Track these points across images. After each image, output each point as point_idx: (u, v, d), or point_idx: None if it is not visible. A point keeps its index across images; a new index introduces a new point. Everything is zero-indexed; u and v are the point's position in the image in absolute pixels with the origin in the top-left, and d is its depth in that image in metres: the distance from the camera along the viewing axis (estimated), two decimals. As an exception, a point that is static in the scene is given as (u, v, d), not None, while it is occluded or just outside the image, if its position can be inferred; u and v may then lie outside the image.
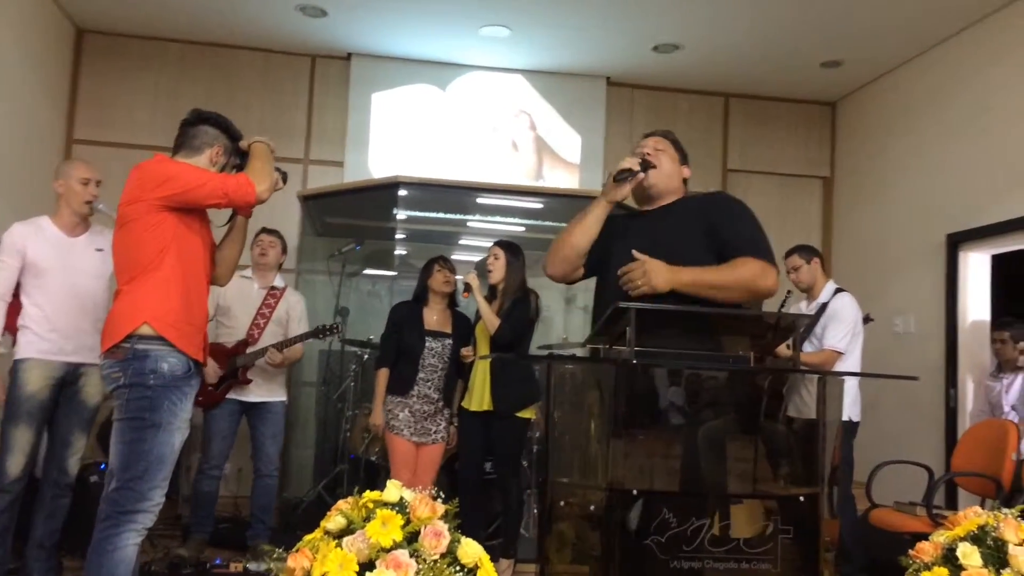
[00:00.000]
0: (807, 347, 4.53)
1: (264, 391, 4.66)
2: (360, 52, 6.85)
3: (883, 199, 6.71)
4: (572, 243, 2.51)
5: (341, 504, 1.93)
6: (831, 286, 4.68)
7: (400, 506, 1.89)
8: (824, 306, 4.58)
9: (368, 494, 1.93)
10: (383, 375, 4.54)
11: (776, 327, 2.15)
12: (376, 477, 5.39)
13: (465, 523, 4.60)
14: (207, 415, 4.65)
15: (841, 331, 4.44)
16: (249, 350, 4.62)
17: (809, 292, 4.72)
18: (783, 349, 2.56)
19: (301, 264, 6.68)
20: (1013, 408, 4.90)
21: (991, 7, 5.52)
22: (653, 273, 2.24)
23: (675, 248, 2.41)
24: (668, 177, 2.66)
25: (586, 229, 2.48)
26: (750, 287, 2.36)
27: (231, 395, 4.61)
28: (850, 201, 7.22)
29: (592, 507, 1.92)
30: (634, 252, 2.32)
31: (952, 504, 5.26)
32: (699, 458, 1.98)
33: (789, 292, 4.82)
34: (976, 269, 5.81)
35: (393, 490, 1.91)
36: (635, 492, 1.89)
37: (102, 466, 4.51)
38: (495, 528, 4.85)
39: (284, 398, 4.82)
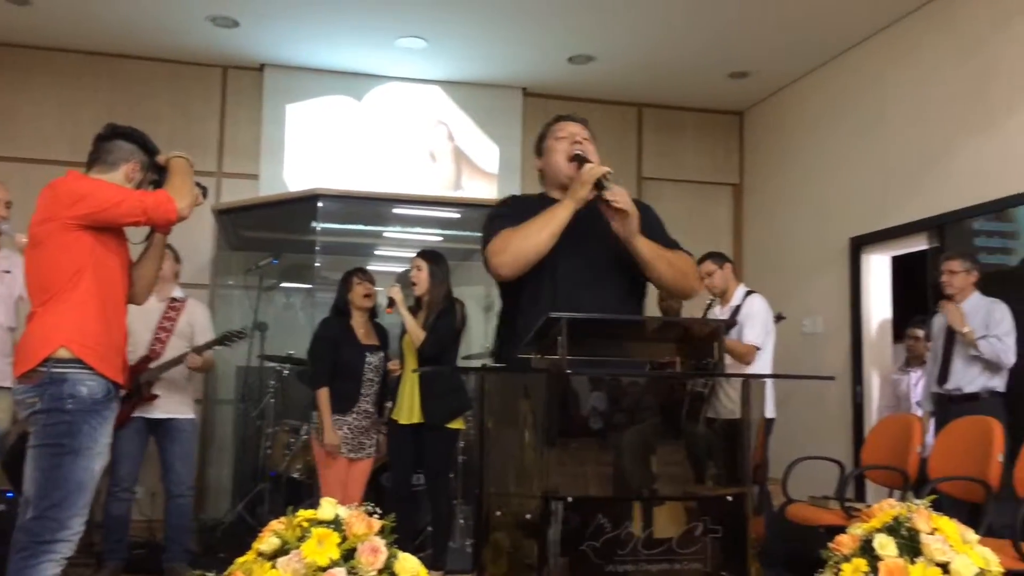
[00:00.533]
0: None
1: (170, 408, 4.54)
2: (273, 63, 6.76)
3: (790, 205, 6.96)
4: (540, 248, 2.39)
5: (274, 524, 1.91)
6: (742, 289, 4.87)
7: (336, 523, 1.88)
8: (738, 308, 4.75)
9: (302, 512, 1.91)
10: (325, 394, 4.43)
11: (700, 333, 2.22)
12: (299, 494, 5.30)
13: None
14: (114, 436, 4.51)
15: (757, 328, 4.63)
16: (152, 365, 4.50)
17: (722, 296, 4.89)
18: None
19: (216, 279, 6.54)
20: (918, 404, 5.14)
21: (884, 22, 5.80)
22: (634, 214, 2.35)
23: (615, 247, 2.45)
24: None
25: (556, 234, 2.38)
26: (689, 275, 2.54)
27: (136, 413, 4.48)
28: (759, 207, 7.46)
29: (528, 515, 1.95)
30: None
31: (862, 496, 5.49)
32: (631, 463, 2.03)
33: (712, 299, 4.96)
34: (878, 270, 6.09)
35: (328, 508, 1.90)
36: (569, 499, 1.93)
37: (9, 494, 4.32)
38: (421, 540, 4.83)
39: (192, 415, 4.70)
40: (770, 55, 6.42)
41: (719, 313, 4.92)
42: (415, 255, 4.60)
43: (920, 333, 5.48)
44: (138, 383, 4.45)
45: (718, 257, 4.97)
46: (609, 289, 2.45)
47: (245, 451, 6.29)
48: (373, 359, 4.48)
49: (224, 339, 4.62)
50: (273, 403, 5.82)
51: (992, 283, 4.67)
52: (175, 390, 4.55)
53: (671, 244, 2.61)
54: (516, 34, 6.16)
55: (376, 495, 4.84)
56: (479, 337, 6.79)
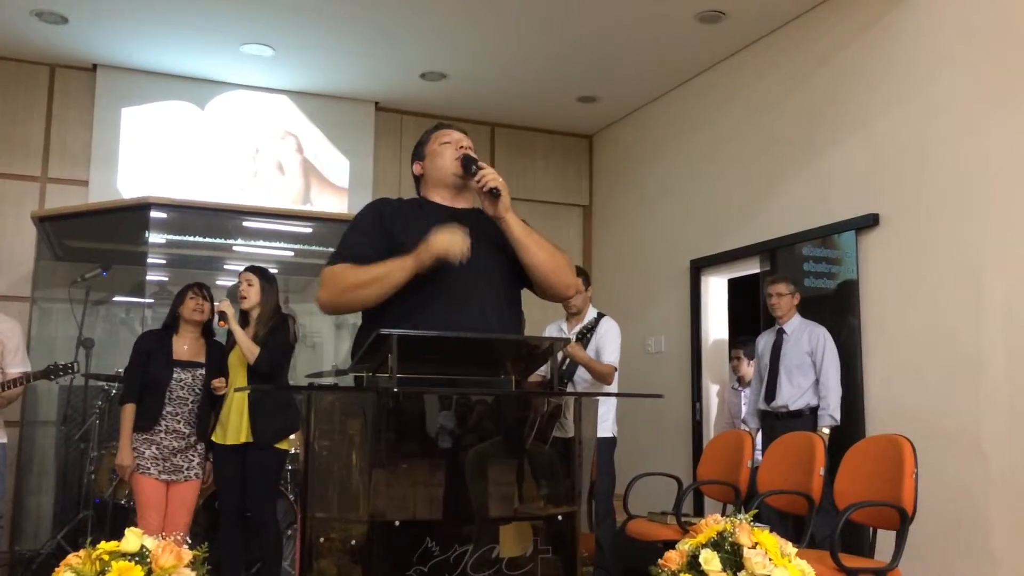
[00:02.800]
0: (582, 371, 4.72)
1: None
2: (107, 63, 6.38)
3: (635, 227, 7.17)
4: (365, 303, 2.29)
5: (71, 558, 1.75)
6: (594, 311, 4.92)
7: (141, 556, 1.74)
8: (589, 328, 4.79)
9: (103, 545, 1.75)
10: (129, 411, 4.21)
11: (535, 352, 2.21)
12: (126, 522, 4.97)
13: (226, 562, 4.36)
14: None
15: (614, 347, 4.71)
16: None
17: (576, 315, 4.93)
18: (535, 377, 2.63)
19: (37, 291, 6.08)
20: (743, 421, 5.37)
21: (723, 53, 6.09)
22: (505, 191, 2.32)
23: (482, 269, 2.35)
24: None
25: (385, 294, 2.25)
26: (565, 268, 2.45)
27: None
28: (606, 229, 7.65)
29: (353, 541, 1.87)
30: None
31: (700, 511, 5.68)
32: (462, 484, 1.99)
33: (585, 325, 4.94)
34: (716, 292, 6.36)
35: (132, 539, 1.75)
36: (397, 523, 1.86)
37: None
38: (259, 568, 4.62)
39: (3, 439, 4.32)
40: (617, 81, 6.61)
41: (565, 331, 4.95)
42: (243, 270, 4.45)
43: (740, 353, 5.75)
44: None
45: (586, 279, 4.97)
46: (483, 303, 2.33)
47: (67, 476, 5.87)
48: (185, 376, 4.26)
49: (48, 373, 4.25)
50: (98, 424, 5.44)
51: (812, 306, 4.96)
52: None
53: None
54: (367, 47, 6.08)
55: (211, 521, 4.61)
56: (328, 355, 6.62)
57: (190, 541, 1.78)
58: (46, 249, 6.03)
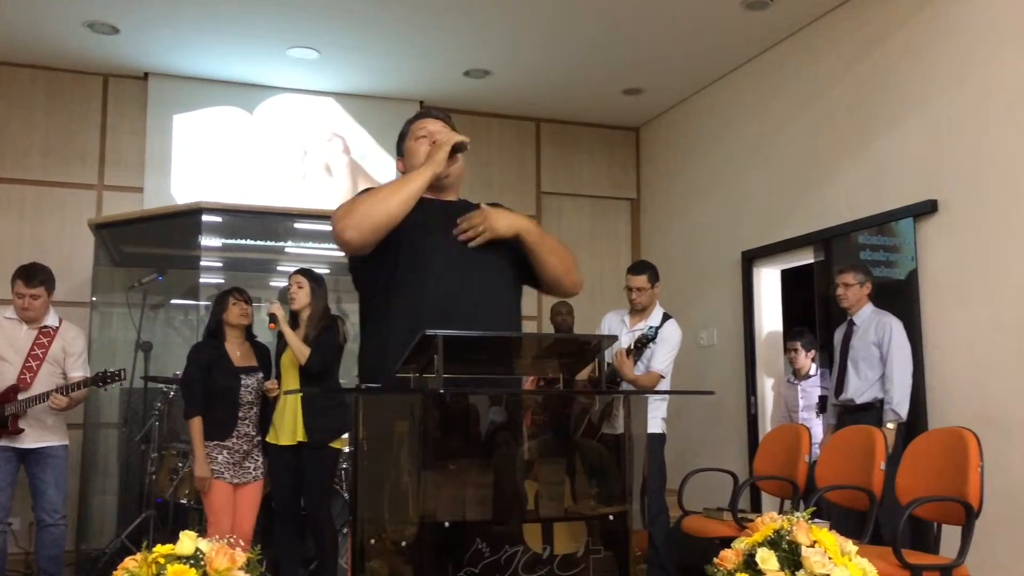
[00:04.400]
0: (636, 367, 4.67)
1: (40, 436, 4.32)
2: (158, 72, 6.50)
3: (684, 219, 7.08)
4: (392, 212, 2.15)
5: (129, 562, 1.77)
6: (660, 310, 4.82)
7: (195, 559, 1.75)
8: (650, 338, 4.70)
9: (159, 548, 1.77)
10: (198, 424, 4.26)
11: (584, 348, 2.18)
12: (187, 521, 5.07)
13: (284, 560, 4.41)
14: None
15: (669, 357, 4.61)
16: (21, 396, 4.23)
17: (641, 312, 4.83)
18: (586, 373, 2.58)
19: (96, 296, 6.22)
20: (818, 414, 5.25)
21: (771, 40, 5.97)
22: (494, 218, 2.17)
23: (482, 259, 2.29)
24: (461, 168, 2.41)
25: (409, 200, 2.16)
26: (572, 268, 2.37)
27: (3, 443, 4.22)
28: (655, 222, 7.57)
29: (403, 543, 1.86)
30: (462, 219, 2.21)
31: (757, 507, 5.59)
32: (512, 484, 1.97)
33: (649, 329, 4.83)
34: (768, 283, 6.24)
35: (187, 542, 1.77)
36: (447, 524, 1.85)
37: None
38: (316, 566, 4.67)
39: (64, 441, 4.45)
40: (663, 73, 6.53)
41: (628, 325, 4.84)
42: (293, 272, 4.49)
43: (798, 345, 5.62)
44: (3, 414, 4.19)
45: (654, 274, 4.81)
46: (489, 292, 2.27)
47: (129, 477, 6.00)
48: (250, 380, 4.33)
49: (97, 380, 4.36)
50: (158, 426, 5.55)
51: (879, 296, 4.79)
52: (45, 417, 4.30)
53: None
54: (411, 47, 6.09)
55: (268, 521, 4.68)
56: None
57: (243, 544, 1.79)
58: (104, 255, 6.17)
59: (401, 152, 2.48)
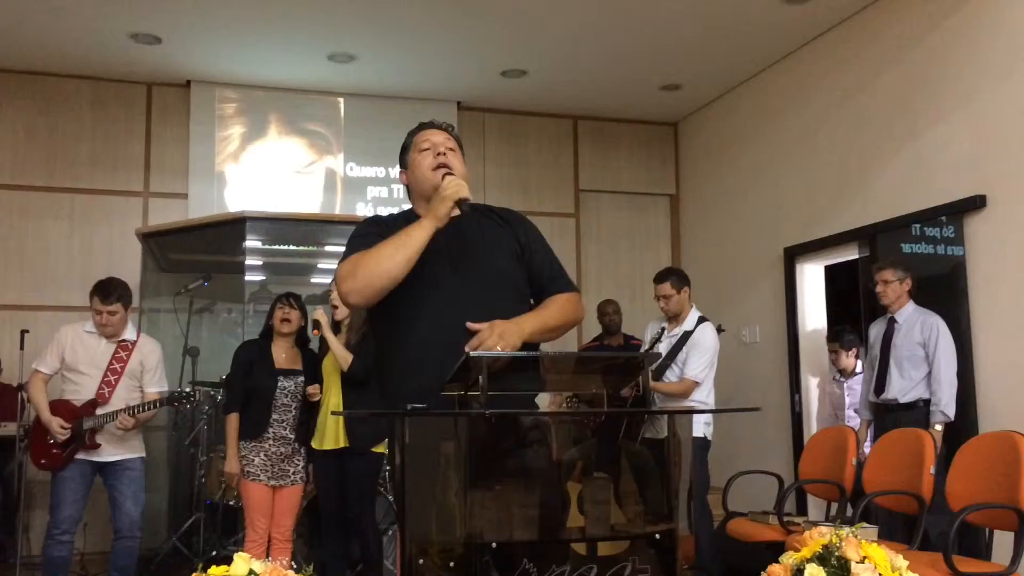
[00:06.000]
0: (668, 374, 4.64)
1: (118, 449, 4.37)
2: (200, 79, 6.59)
3: (725, 215, 7.01)
4: (394, 275, 2.13)
5: (184, 584, 1.81)
6: (696, 314, 4.78)
7: (249, 581, 1.79)
8: (688, 334, 4.69)
9: (214, 570, 1.81)
10: (234, 420, 4.34)
11: (628, 364, 2.18)
12: (235, 523, 5.16)
13: (331, 563, 4.47)
14: (55, 477, 4.33)
15: (702, 362, 4.57)
16: (99, 411, 4.31)
17: (675, 318, 4.80)
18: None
19: (144, 302, 6.34)
20: (856, 411, 5.18)
21: (811, 34, 5.88)
22: (508, 335, 2.08)
23: (492, 274, 2.27)
24: (464, 178, 2.33)
25: (411, 260, 2.13)
26: (573, 323, 2.34)
27: (81, 456, 4.30)
28: (695, 218, 7.51)
29: (452, 563, 1.88)
30: (470, 326, 2.10)
31: (803, 509, 5.52)
32: (557, 504, 1.97)
33: (663, 327, 4.85)
34: (811, 280, 6.16)
35: (241, 564, 1.81)
36: (494, 545, 1.86)
37: None
38: (361, 567, 4.73)
39: (142, 453, 4.52)
40: (701, 67, 6.47)
41: (666, 332, 4.83)
42: (332, 280, 4.53)
43: (837, 347, 5.54)
44: (82, 428, 4.27)
45: (679, 279, 4.79)
46: (491, 306, 2.18)
47: (179, 479, 6.11)
48: (288, 383, 4.38)
49: (172, 400, 4.44)
50: (206, 430, 5.65)
51: (916, 293, 4.67)
52: (121, 433, 4.37)
53: (554, 267, 2.41)
54: (448, 49, 6.11)
55: (313, 525, 4.74)
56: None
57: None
58: (151, 262, 6.29)
59: (404, 164, 2.42)
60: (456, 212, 2.21)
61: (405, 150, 2.42)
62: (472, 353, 1.91)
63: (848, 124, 5.64)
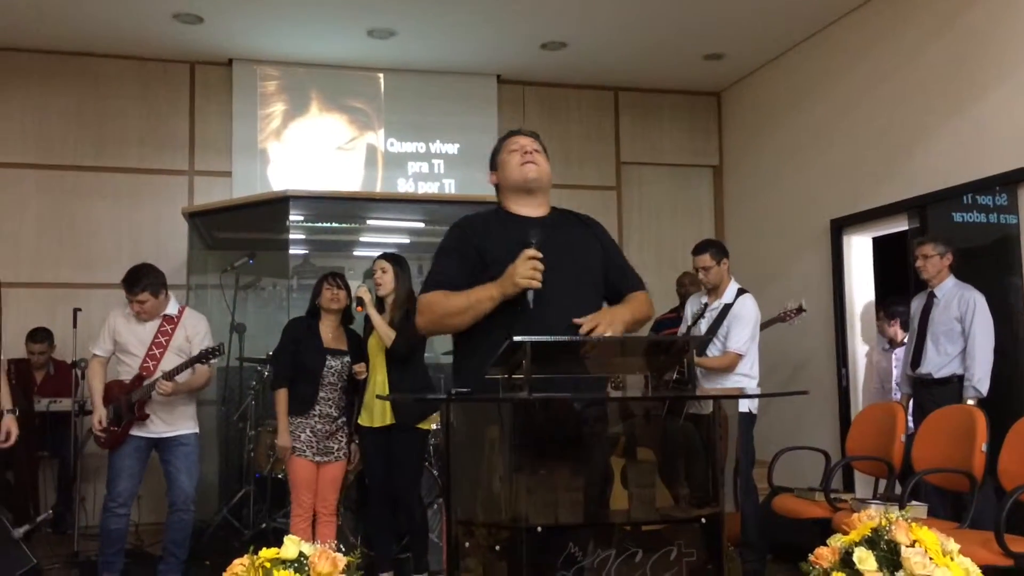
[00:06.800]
0: (711, 348, 4.61)
1: (170, 424, 4.46)
2: (242, 57, 6.63)
3: (770, 186, 6.90)
4: (458, 327, 2.48)
5: (237, 566, 1.85)
6: (734, 286, 4.73)
7: (299, 563, 1.82)
8: (728, 307, 4.64)
9: (264, 552, 1.85)
10: (283, 395, 4.41)
11: (671, 348, 2.17)
12: (283, 496, 5.25)
13: (377, 537, 4.55)
14: (112, 453, 4.45)
15: (745, 334, 4.53)
16: (145, 383, 4.41)
17: (714, 291, 4.76)
18: None
19: (192, 279, 6.45)
20: (897, 384, 5.11)
21: (856, 3, 5.73)
22: (616, 323, 2.33)
23: (582, 271, 2.51)
24: (548, 176, 2.66)
25: (475, 319, 2.43)
26: (648, 320, 2.65)
27: (135, 431, 4.40)
28: (739, 189, 7.40)
29: (497, 546, 1.90)
30: (578, 322, 2.31)
31: (850, 486, 5.45)
32: (602, 488, 1.98)
33: (704, 304, 4.80)
34: (859, 251, 6.05)
35: (291, 547, 1.84)
36: (539, 528, 1.87)
37: None
38: (408, 542, 4.80)
39: (195, 429, 4.61)
40: (745, 36, 6.34)
41: (711, 306, 4.78)
42: (377, 258, 4.55)
43: (881, 314, 5.47)
44: (130, 401, 4.37)
45: (718, 251, 4.75)
46: (580, 302, 2.43)
47: (229, 453, 6.23)
48: (335, 363, 4.43)
49: (199, 359, 4.49)
50: (254, 405, 5.75)
51: (967, 266, 4.58)
52: (170, 407, 4.45)
53: (627, 267, 2.70)
54: (485, 21, 6.06)
55: (362, 499, 4.81)
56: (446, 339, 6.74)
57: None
58: (197, 240, 6.38)
59: (494, 166, 2.69)
60: (543, 212, 2.59)
61: (495, 153, 2.71)
62: (516, 339, 1.92)
63: (896, 93, 5.49)
